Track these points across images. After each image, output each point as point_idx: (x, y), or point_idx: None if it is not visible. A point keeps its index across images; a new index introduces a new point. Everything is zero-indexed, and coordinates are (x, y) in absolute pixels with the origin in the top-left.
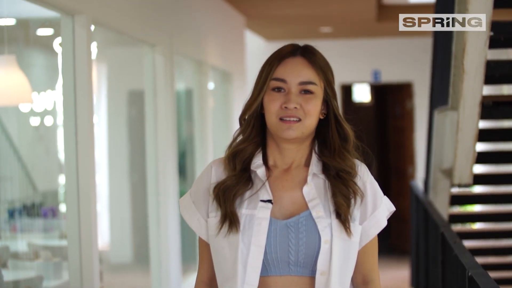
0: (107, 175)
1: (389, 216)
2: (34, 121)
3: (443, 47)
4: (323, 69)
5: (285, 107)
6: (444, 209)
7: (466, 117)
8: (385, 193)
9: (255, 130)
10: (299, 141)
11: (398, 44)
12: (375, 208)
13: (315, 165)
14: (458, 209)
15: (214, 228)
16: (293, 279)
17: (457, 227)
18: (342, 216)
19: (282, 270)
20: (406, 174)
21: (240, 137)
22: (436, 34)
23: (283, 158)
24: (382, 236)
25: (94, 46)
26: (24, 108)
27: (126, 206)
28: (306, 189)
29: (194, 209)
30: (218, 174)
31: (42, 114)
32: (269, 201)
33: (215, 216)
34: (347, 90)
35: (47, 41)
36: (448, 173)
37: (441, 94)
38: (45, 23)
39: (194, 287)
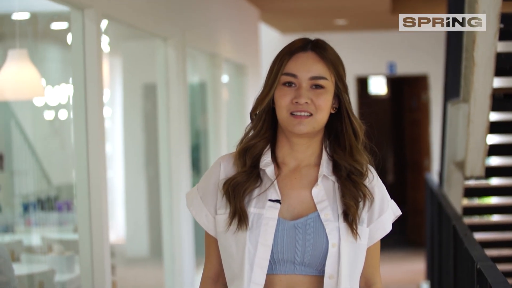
0: (123, 169)
1: (394, 220)
2: (48, 115)
3: (456, 40)
4: (334, 63)
5: (296, 102)
6: (457, 202)
7: (477, 109)
8: (400, 186)
9: (266, 124)
10: (310, 135)
11: (413, 36)
12: (382, 213)
13: (325, 166)
14: (477, 202)
15: (223, 225)
16: (298, 277)
17: (475, 220)
18: (350, 217)
19: (287, 269)
20: (422, 167)
21: (252, 133)
22: None
23: (293, 154)
24: (398, 229)
25: (106, 40)
26: (38, 102)
27: (142, 200)
28: (315, 191)
29: (201, 204)
30: (227, 170)
31: (56, 108)
32: (278, 201)
33: (224, 213)
34: (362, 82)
35: (61, 35)
36: (461, 165)
37: (454, 87)
38: (53, 17)
39: (201, 283)
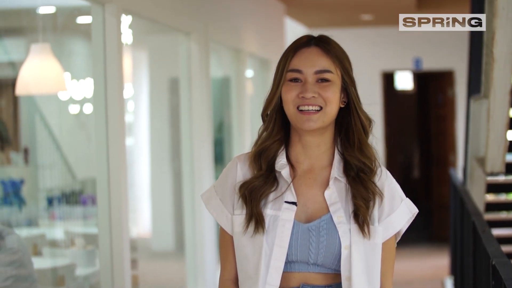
0: (149, 163)
1: (412, 219)
2: (73, 109)
3: (478, 36)
4: (338, 57)
5: (302, 97)
6: (480, 198)
7: (497, 105)
8: (426, 181)
9: (277, 124)
10: (320, 131)
11: (438, 31)
12: (392, 211)
13: (336, 168)
14: (505, 197)
15: (240, 226)
16: (311, 275)
17: (502, 215)
18: (360, 218)
19: (301, 268)
20: (448, 162)
21: (265, 134)
22: None
23: (306, 153)
24: (423, 224)
25: (130, 34)
26: (63, 96)
27: (167, 194)
28: (327, 193)
29: (222, 206)
30: (243, 171)
31: (81, 102)
32: (294, 203)
33: (240, 214)
34: (388, 77)
35: (87, 29)
36: (482, 161)
37: (476, 82)
38: (74, 11)
39: (220, 286)
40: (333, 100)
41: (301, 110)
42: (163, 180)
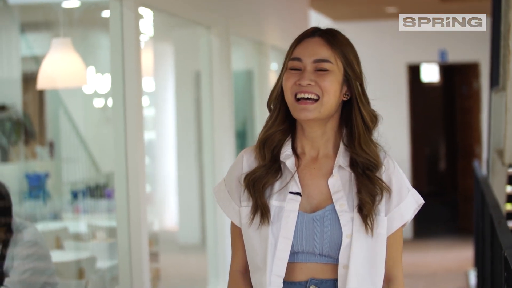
0: (175, 156)
1: (418, 209)
2: (98, 103)
3: (499, 28)
4: (342, 49)
5: (299, 84)
6: (501, 189)
7: None
8: (452, 173)
9: (281, 114)
10: (320, 122)
11: None
12: (400, 201)
13: (341, 157)
14: None
15: (247, 218)
16: (318, 266)
17: None
18: (365, 212)
19: (308, 258)
20: (473, 154)
21: (269, 123)
22: (495, 14)
23: (309, 143)
24: (449, 216)
25: (152, 28)
26: (87, 90)
27: (193, 187)
28: (331, 181)
29: (229, 199)
30: (249, 163)
31: (106, 96)
32: (298, 193)
33: (246, 206)
34: (414, 70)
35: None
36: (501, 153)
37: (497, 75)
38: (92, 6)
39: (230, 277)
40: (330, 90)
41: (298, 99)
42: (189, 174)
